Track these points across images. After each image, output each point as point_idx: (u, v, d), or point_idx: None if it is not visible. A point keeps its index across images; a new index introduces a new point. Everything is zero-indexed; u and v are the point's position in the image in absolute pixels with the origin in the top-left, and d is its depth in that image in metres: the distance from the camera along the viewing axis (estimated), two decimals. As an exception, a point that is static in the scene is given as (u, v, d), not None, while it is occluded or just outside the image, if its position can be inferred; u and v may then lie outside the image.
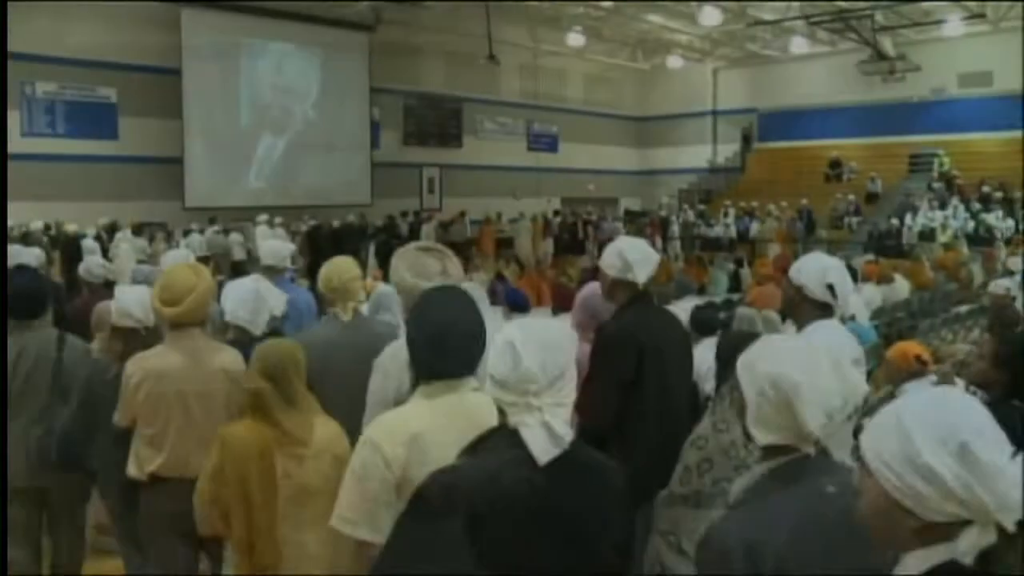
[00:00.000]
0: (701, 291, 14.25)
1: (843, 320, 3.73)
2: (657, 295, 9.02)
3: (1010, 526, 1.38)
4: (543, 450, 1.99)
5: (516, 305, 10.62)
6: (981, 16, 26.18)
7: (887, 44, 26.65)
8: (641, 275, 3.76)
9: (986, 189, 25.11)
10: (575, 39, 29.36)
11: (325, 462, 3.09)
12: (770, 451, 1.93)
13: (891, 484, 1.45)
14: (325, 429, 3.18)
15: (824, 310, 3.48)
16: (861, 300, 10.29)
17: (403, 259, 3.18)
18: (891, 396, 3.61)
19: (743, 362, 1.99)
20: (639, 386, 3.68)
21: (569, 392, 2.08)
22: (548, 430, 2.00)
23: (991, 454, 1.40)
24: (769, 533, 1.76)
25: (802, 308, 3.54)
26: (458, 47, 27.57)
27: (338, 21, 24.94)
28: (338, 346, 3.83)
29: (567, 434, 2.03)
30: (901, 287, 12.29)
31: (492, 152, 30.11)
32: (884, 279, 12.03)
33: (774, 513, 1.81)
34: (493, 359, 2.07)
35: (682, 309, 8.13)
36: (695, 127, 34.67)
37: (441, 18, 25.76)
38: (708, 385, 4.43)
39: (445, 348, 2.41)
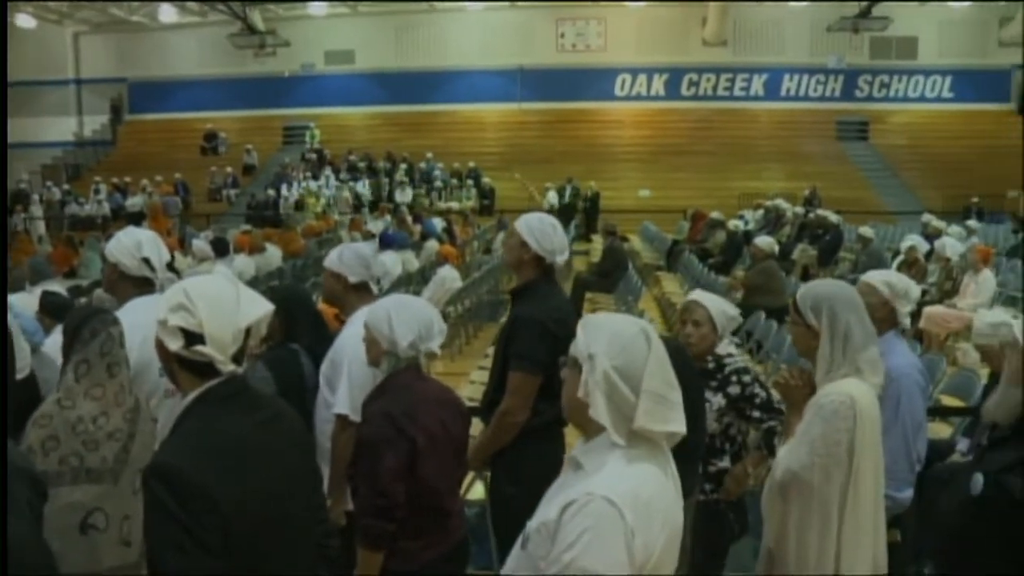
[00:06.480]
0: (72, 274, 13.24)
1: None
2: (12, 280, 8.11)
3: None
4: None
5: None
6: (342, -2, 28.03)
7: (257, 18, 27.13)
8: None
9: (353, 159, 26.93)
10: None
11: None
12: None
13: None
14: None
15: (145, 285, 3.43)
16: (233, 271, 10.29)
17: None
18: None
19: None
20: None
21: None
22: None
23: None
24: None
25: (121, 286, 3.46)
26: None
27: None
28: None
29: None
30: (273, 256, 12.64)
31: None
32: (256, 249, 12.26)
33: None
34: None
35: (36, 295, 7.39)
36: (56, 96, 31.95)
37: None
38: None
39: None
